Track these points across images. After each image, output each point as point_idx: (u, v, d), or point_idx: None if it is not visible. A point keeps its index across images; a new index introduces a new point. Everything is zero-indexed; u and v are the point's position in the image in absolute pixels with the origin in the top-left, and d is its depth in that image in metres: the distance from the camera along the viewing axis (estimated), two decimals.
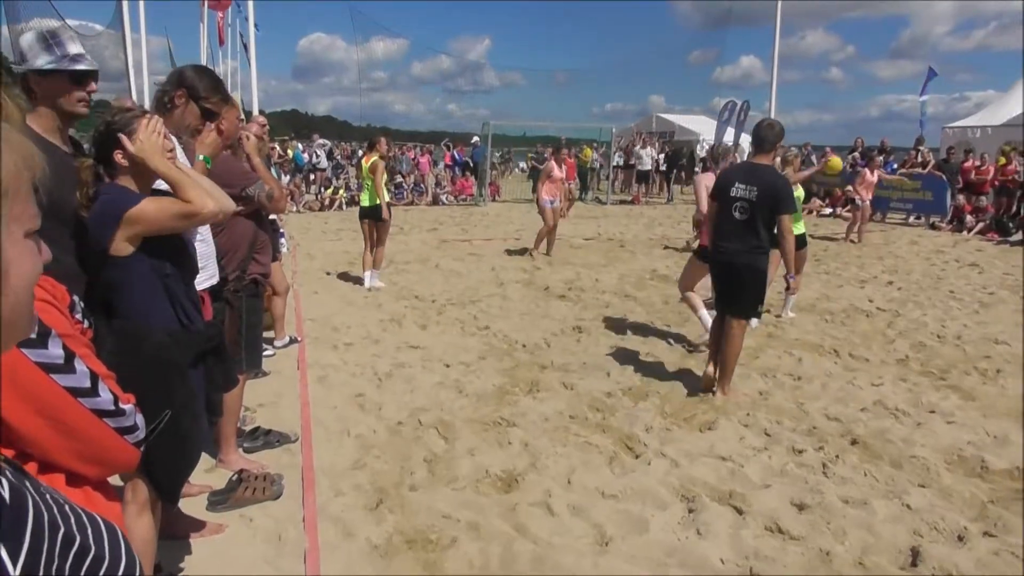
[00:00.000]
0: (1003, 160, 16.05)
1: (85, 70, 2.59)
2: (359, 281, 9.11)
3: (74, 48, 2.58)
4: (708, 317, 6.29)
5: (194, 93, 3.11)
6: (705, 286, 6.25)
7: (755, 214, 5.01)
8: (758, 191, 5.00)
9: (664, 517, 3.50)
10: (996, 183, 16.08)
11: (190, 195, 2.37)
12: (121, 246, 2.30)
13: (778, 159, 6.69)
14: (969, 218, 15.61)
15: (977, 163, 16.72)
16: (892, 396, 5.25)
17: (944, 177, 16.94)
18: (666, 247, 12.77)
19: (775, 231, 5.03)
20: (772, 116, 25.25)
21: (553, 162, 11.18)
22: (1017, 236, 14.07)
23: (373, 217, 8.64)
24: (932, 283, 9.67)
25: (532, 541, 3.28)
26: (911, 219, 17.50)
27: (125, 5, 13.22)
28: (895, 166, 18.98)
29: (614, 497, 3.69)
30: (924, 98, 23.64)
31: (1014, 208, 15.45)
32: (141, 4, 14.13)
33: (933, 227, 16.31)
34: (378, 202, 8.51)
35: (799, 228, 7.16)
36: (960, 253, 12.60)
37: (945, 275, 10.37)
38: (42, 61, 2.52)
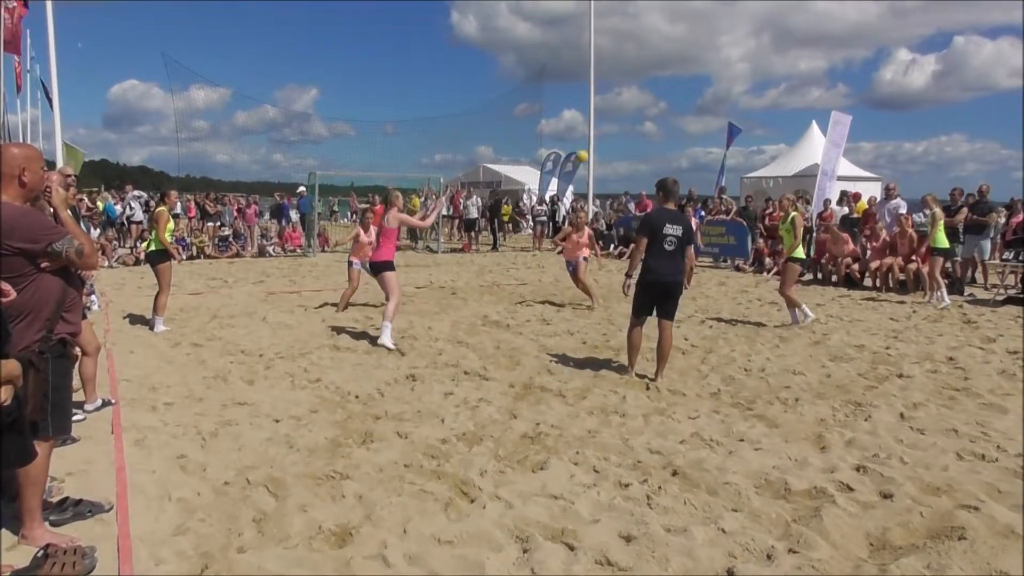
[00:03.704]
0: None
1: None
2: (180, 338, 8.72)
3: None
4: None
5: None
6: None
7: (679, 246, 6.82)
8: (682, 229, 6.85)
9: (499, 559, 3.56)
10: None
11: None
12: None
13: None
14: (768, 260, 17.08)
15: (769, 210, 18.31)
16: (707, 427, 5.62)
17: (744, 223, 18.48)
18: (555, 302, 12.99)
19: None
20: (592, 167, 26.69)
21: (360, 228, 11.26)
22: (807, 276, 15.55)
23: (151, 261, 9.46)
24: (738, 320, 10.46)
25: None
26: (719, 262, 18.91)
27: None
28: (703, 213, 20.50)
29: (450, 543, 3.70)
30: (727, 150, 25.75)
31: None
32: None
33: (738, 269, 17.70)
34: (156, 247, 9.32)
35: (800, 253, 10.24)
36: (761, 293, 13.75)
37: (749, 313, 11.28)
38: None
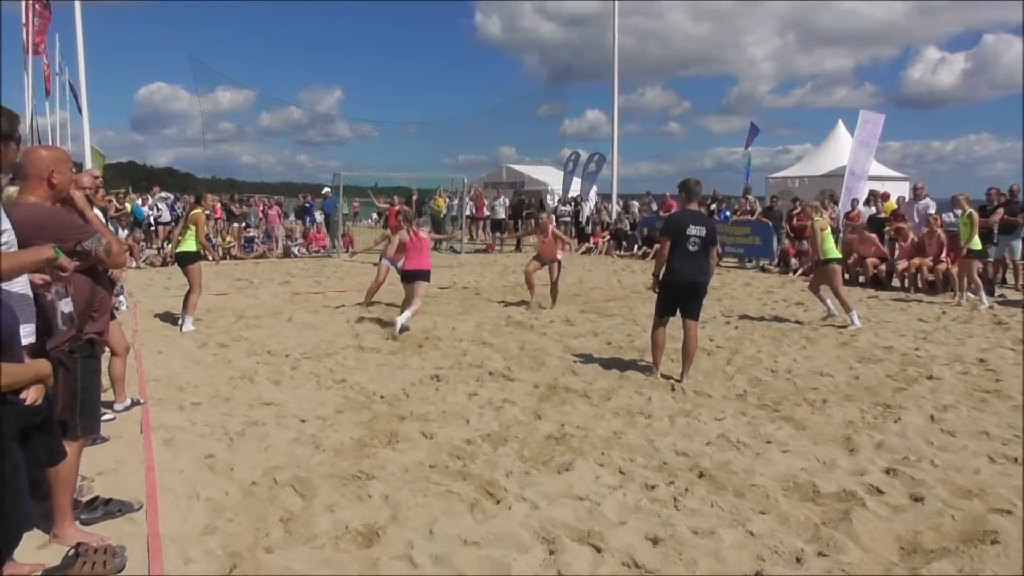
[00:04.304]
0: None
1: None
2: (207, 339, 8.79)
3: None
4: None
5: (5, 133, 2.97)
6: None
7: (703, 247, 6.84)
8: (706, 230, 6.87)
9: (526, 560, 3.55)
10: None
11: None
12: None
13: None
14: (794, 261, 16.92)
15: (796, 211, 18.08)
16: (733, 429, 5.57)
17: (770, 223, 18.31)
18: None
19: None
20: (615, 167, 26.56)
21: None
22: None
23: (181, 262, 9.42)
24: (764, 321, 10.37)
25: None
26: (745, 262, 18.75)
27: None
28: (727, 213, 20.33)
29: (476, 544, 3.70)
30: (748, 150, 25.58)
31: None
32: None
33: (763, 269, 17.55)
34: (188, 249, 9.33)
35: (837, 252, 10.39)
36: (787, 293, 13.62)
37: (775, 314, 11.17)
38: None
